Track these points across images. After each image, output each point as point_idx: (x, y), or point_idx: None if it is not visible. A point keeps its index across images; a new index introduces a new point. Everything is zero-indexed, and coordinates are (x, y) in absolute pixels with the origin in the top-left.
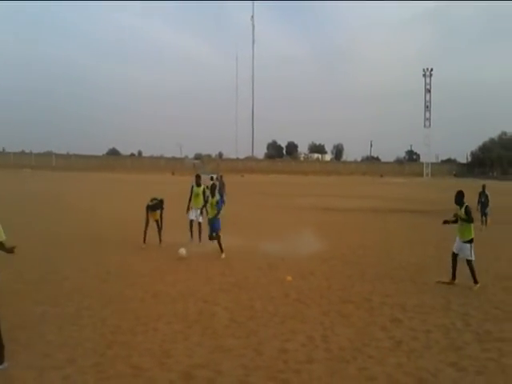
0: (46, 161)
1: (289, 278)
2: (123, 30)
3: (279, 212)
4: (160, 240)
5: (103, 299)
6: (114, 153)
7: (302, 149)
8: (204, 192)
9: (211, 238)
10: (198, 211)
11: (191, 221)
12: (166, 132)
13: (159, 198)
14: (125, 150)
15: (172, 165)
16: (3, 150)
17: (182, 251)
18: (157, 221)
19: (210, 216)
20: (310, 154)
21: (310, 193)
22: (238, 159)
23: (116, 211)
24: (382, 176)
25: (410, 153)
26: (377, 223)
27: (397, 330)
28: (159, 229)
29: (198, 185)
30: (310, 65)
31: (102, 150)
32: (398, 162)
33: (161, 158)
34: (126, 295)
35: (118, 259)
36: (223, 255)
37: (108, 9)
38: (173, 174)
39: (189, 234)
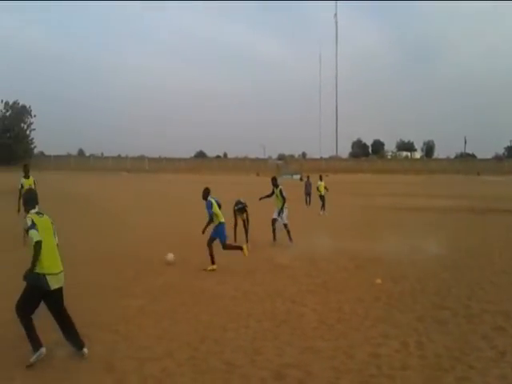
0: (139, 164)
1: (378, 281)
2: (204, 35)
3: (366, 212)
4: (247, 240)
5: (195, 296)
6: (201, 155)
7: (389, 147)
8: (281, 192)
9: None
10: (278, 211)
11: (274, 219)
12: (250, 133)
13: (243, 201)
14: (211, 152)
15: (256, 166)
16: (102, 154)
17: (170, 256)
18: (244, 221)
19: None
20: (397, 152)
21: (398, 192)
22: (321, 159)
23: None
24: (478, 174)
25: (510, 149)
26: (473, 224)
27: (500, 339)
28: (246, 229)
29: (276, 186)
30: (396, 59)
31: (190, 153)
32: (497, 158)
33: (245, 159)
34: (216, 292)
35: (207, 257)
36: (213, 266)
37: (182, 15)
38: (258, 174)
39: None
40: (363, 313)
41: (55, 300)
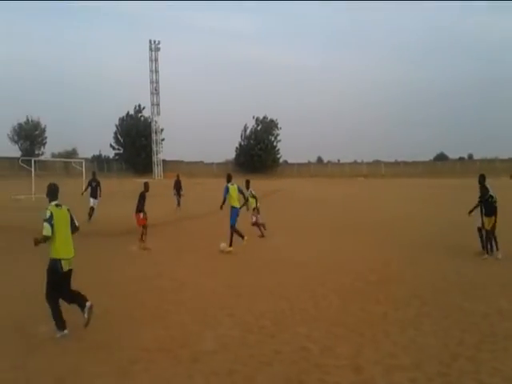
0: (375, 169)
1: None
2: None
3: None
4: (497, 248)
5: (442, 309)
6: (441, 158)
7: None
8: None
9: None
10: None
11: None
12: (503, 131)
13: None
14: (453, 154)
15: (510, 167)
16: (338, 161)
17: (223, 246)
18: (491, 228)
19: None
20: None
21: None
22: None
23: (446, 216)
24: None
25: None
26: None
27: None
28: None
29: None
30: None
31: (429, 156)
32: None
33: (495, 160)
34: (465, 308)
35: (453, 267)
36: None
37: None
38: (511, 177)
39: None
40: None
41: (66, 279)
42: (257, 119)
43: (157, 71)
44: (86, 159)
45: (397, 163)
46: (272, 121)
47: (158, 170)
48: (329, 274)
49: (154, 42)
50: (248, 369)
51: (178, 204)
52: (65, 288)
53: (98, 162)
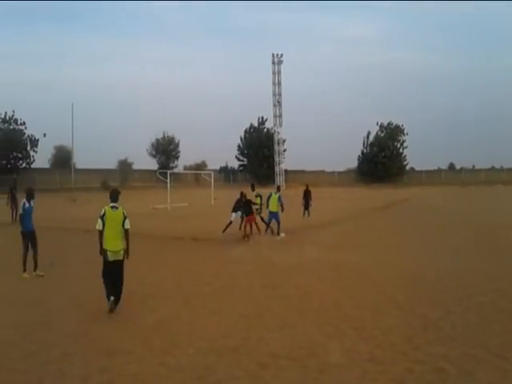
0: None
1: None
2: None
3: None
4: None
5: None
6: None
7: None
8: None
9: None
10: None
11: None
12: None
13: None
14: None
15: None
16: (473, 167)
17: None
18: None
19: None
20: None
21: None
22: None
23: None
24: None
25: None
26: None
27: None
28: None
29: None
30: None
31: None
32: None
33: None
34: None
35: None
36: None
37: None
38: None
39: None
40: None
41: (114, 268)
42: (381, 125)
43: (279, 83)
44: (214, 170)
45: None
46: (398, 126)
47: (280, 180)
48: (464, 290)
49: (277, 55)
50: None
51: (306, 214)
52: (113, 276)
53: (225, 173)
